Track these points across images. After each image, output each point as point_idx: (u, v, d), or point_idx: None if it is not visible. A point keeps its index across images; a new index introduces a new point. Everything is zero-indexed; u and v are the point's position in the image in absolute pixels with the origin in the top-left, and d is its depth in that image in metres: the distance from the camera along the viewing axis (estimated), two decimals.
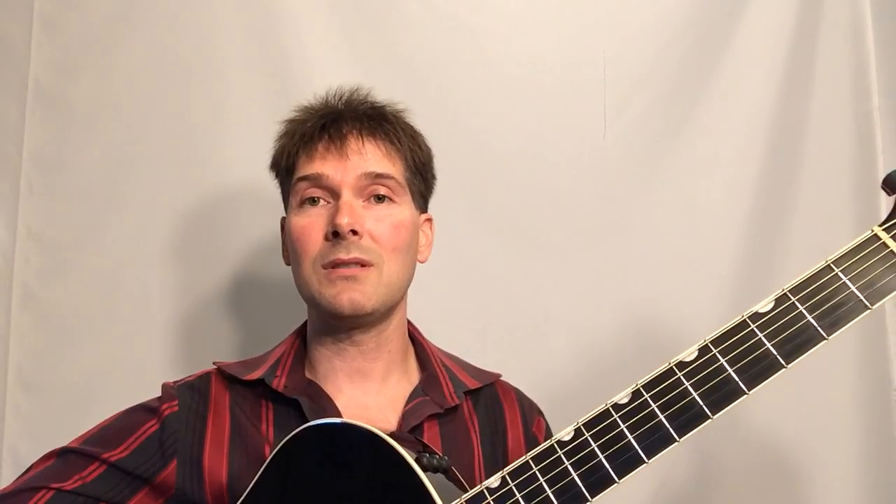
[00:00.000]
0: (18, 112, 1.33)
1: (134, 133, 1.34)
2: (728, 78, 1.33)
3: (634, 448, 0.68)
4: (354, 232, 0.84)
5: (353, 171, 0.86)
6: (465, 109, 1.33)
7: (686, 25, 1.34)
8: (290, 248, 0.90)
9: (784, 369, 0.67)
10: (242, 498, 0.75)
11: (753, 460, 1.26)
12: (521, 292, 1.31)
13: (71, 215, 1.32)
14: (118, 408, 0.88)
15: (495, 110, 1.34)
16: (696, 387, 0.68)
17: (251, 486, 0.75)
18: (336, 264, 0.84)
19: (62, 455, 0.84)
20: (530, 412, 0.98)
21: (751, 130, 1.32)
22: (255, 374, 0.88)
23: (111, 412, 0.88)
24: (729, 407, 0.67)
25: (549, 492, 0.68)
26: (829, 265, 0.69)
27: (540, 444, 0.71)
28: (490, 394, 0.96)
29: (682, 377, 0.69)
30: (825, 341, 0.67)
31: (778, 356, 0.68)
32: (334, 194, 0.87)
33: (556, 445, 0.70)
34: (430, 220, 0.97)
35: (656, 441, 0.68)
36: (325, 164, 0.87)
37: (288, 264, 0.93)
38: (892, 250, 0.68)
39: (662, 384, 0.69)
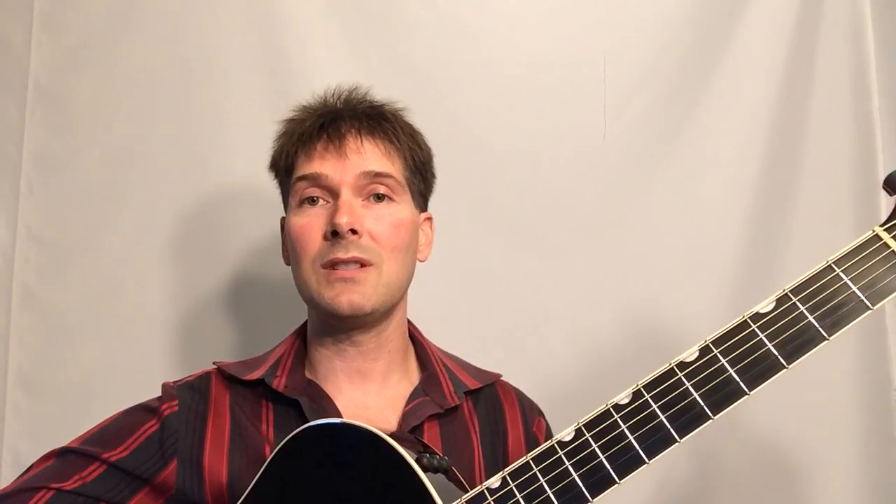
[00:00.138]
0: (18, 112, 1.34)
1: (134, 133, 1.34)
2: (728, 78, 1.33)
3: (635, 448, 0.68)
4: (354, 231, 0.83)
5: (352, 171, 0.86)
6: (464, 109, 1.33)
7: (686, 25, 1.34)
8: (289, 248, 0.90)
9: (785, 370, 0.67)
10: (242, 498, 0.75)
11: (753, 460, 1.26)
12: (521, 292, 1.31)
13: (71, 215, 1.32)
14: (118, 408, 0.88)
15: (495, 110, 1.33)
16: (697, 387, 0.68)
17: (251, 486, 0.75)
18: (335, 264, 0.84)
19: (62, 455, 0.84)
20: (531, 412, 0.98)
21: (751, 130, 1.32)
22: (256, 374, 0.88)
23: (111, 412, 0.88)
24: (730, 407, 0.67)
25: (549, 492, 0.68)
26: (830, 265, 0.69)
27: (540, 445, 0.71)
28: (490, 394, 0.96)
29: (682, 377, 0.69)
30: (826, 342, 0.67)
31: (779, 357, 0.67)
32: (333, 194, 0.87)
33: (556, 446, 0.70)
34: (429, 218, 0.97)
35: (657, 441, 0.68)
36: (323, 164, 0.87)
37: (288, 264, 0.92)
38: (893, 250, 0.68)
39: (663, 384, 0.69)
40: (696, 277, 1.29)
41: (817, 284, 0.69)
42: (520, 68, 1.34)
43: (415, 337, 0.97)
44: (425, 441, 0.85)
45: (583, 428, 0.70)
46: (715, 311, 1.26)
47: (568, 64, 1.35)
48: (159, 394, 0.88)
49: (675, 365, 0.70)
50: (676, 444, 0.67)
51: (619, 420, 0.69)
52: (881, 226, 0.70)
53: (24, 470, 0.85)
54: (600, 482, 0.68)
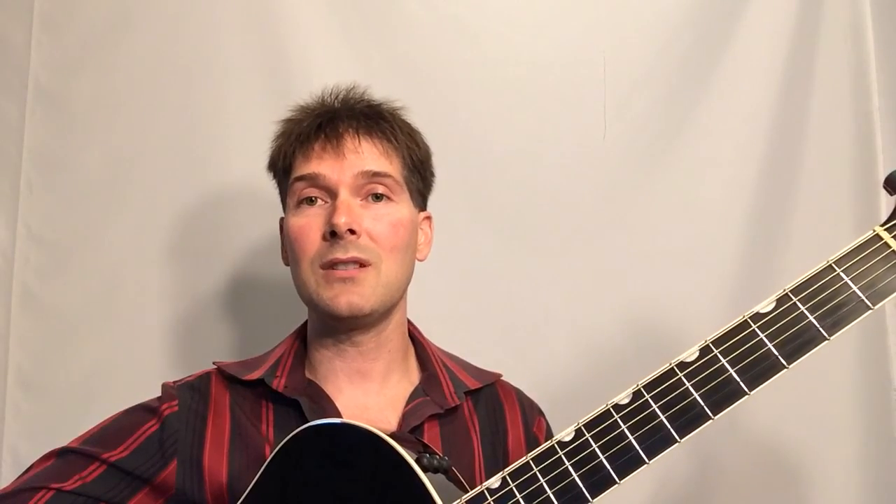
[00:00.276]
0: (18, 112, 1.34)
1: (134, 133, 1.34)
2: (728, 78, 1.32)
3: (635, 449, 0.68)
4: (352, 231, 0.83)
5: (349, 170, 0.86)
6: (464, 109, 1.33)
7: (686, 25, 1.34)
8: (288, 248, 0.90)
9: (785, 370, 0.67)
10: (242, 498, 0.75)
11: (753, 460, 1.26)
12: (521, 292, 1.31)
13: (71, 215, 1.32)
14: (118, 408, 0.88)
15: (495, 110, 1.33)
16: (697, 387, 0.68)
17: (251, 486, 0.75)
18: (334, 264, 0.84)
19: (62, 455, 0.84)
20: (531, 412, 0.98)
21: (751, 130, 1.32)
22: (255, 375, 0.88)
23: (111, 412, 0.88)
24: (730, 408, 0.67)
25: (549, 492, 0.68)
26: (830, 265, 0.69)
27: (541, 445, 0.71)
28: (490, 394, 0.96)
29: (683, 378, 0.69)
30: (827, 342, 0.67)
31: (779, 356, 0.67)
32: (331, 194, 0.86)
33: (556, 446, 0.70)
34: (429, 218, 0.97)
35: (657, 441, 0.68)
36: (321, 164, 0.87)
37: (287, 265, 0.92)
38: (893, 250, 0.68)
39: (663, 384, 0.69)
40: (696, 277, 1.29)
41: (817, 284, 0.69)
42: (520, 68, 1.34)
43: (415, 337, 0.97)
44: (425, 441, 0.85)
45: (583, 428, 0.70)
46: (715, 311, 1.26)
47: (568, 64, 1.34)
48: (159, 394, 0.88)
49: (676, 365, 0.70)
50: (676, 444, 0.67)
51: (619, 420, 0.69)
52: (881, 225, 0.70)
53: (23, 470, 0.85)
54: (600, 482, 0.68)
